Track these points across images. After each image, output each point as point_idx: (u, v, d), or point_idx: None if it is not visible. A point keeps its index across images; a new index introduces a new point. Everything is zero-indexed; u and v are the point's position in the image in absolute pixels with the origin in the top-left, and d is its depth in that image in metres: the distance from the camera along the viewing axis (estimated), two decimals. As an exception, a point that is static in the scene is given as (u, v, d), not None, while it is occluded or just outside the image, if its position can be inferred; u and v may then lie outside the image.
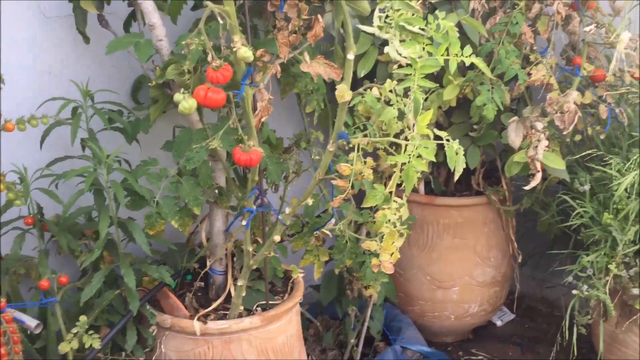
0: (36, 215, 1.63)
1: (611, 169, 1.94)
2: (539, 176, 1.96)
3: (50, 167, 1.65)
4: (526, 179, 2.02)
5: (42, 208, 1.66)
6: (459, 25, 2.05)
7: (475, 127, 2.18)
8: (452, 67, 1.21)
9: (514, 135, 2.01)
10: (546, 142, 1.93)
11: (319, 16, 1.50)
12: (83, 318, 1.55)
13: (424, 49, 1.11)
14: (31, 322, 1.45)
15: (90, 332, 1.56)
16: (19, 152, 1.66)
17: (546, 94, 2.04)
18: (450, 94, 2.02)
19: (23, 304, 1.58)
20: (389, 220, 1.43)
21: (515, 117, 2.06)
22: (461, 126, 2.23)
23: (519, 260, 2.42)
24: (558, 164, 2.00)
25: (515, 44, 2.03)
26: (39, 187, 1.60)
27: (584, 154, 2.06)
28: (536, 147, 1.94)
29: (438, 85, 2.03)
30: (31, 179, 1.59)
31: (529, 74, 2.02)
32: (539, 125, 1.96)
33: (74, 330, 1.54)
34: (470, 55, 1.22)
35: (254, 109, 1.54)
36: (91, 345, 1.53)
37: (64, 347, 1.53)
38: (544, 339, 2.53)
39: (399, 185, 1.43)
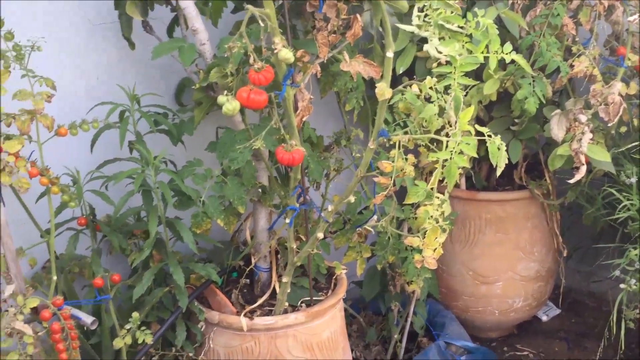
0: (89, 216, 1.69)
1: (658, 160, 1.90)
2: (583, 169, 1.93)
3: (101, 170, 1.71)
4: (570, 172, 1.99)
5: (94, 209, 1.72)
6: (498, 18, 2.04)
7: (516, 120, 2.17)
8: (492, 65, 1.21)
9: (556, 129, 1.99)
10: (590, 135, 1.91)
11: (358, 15, 1.51)
12: (135, 314, 1.60)
13: (463, 46, 1.12)
14: (87, 319, 1.50)
15: (142, 328, 1.62)
16: (71, 155, 1.72)
17: (589, 86, 2.01)
18: (490, 89, 2.01)
19: (78, 302, 1.64)
20: (431, 217, 1.44)
21: (558, 110, 2.03)
22: (502, 120, 2.22)
23: (564, 254, 2.39)
24: (603, 157, 1.97)
25: (557, 36, 2.01)
26: (90, 189, 1.66)
27: (630, 145, 2.02)
28: (580, 139, 1.91)
29: (478, 81, 2.02)
30: (83, 181, 1.64)
31: (572, 66, 1.99)
32: (583, 118, 1.94)
33: (127, 327, 1.60)
34: (510, 52, 1.22)
35: (295, 108, 1.56)
36: (144, 340, 1.58)
37: (118, 343, 1.58)
38: (591, 333, 2.49)
39: (440, 181, 1.43)
